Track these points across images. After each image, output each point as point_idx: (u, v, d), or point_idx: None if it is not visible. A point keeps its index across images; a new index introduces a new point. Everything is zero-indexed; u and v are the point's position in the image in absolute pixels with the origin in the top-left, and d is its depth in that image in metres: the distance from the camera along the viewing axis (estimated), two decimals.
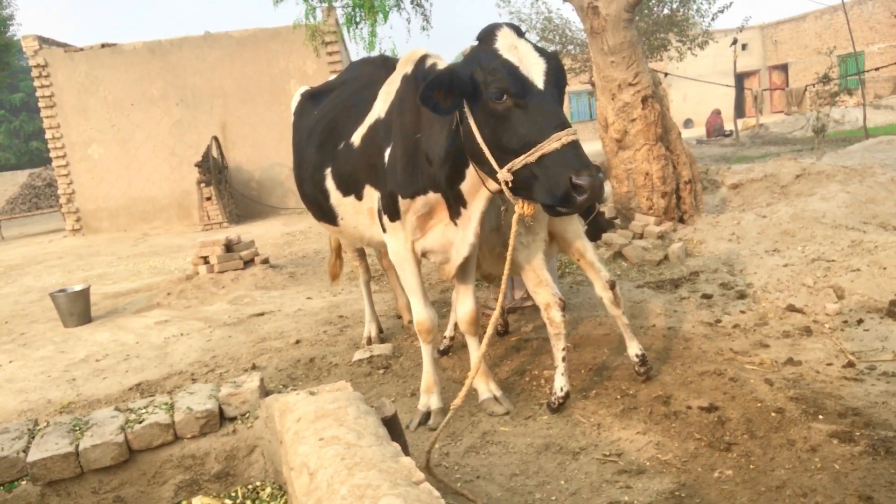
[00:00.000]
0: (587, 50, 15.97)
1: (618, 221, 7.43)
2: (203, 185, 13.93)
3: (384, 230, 3.47)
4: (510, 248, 2.93)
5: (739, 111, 25.96)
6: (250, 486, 2.52)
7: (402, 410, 3.75)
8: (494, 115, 2.63)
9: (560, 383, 3.51)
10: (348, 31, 7.30)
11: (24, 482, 2.25)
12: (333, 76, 14.30)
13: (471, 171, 2.99)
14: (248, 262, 7.93)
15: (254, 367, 4.81)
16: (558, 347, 3.52)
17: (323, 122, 3.91)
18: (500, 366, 4.27)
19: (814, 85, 16.63)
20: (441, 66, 3.14)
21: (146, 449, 2.38)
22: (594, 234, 7.13)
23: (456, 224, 3.23)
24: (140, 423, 2.39)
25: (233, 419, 2.55)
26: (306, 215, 4.07)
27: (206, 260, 7.83)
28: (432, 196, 3.18)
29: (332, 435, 1.97)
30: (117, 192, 15.26)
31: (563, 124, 2.55)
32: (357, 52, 14.43)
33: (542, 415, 3.51)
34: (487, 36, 2.74)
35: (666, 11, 15.56)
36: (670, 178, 6.94)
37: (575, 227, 3.71)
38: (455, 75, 2.64)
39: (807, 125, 15.72)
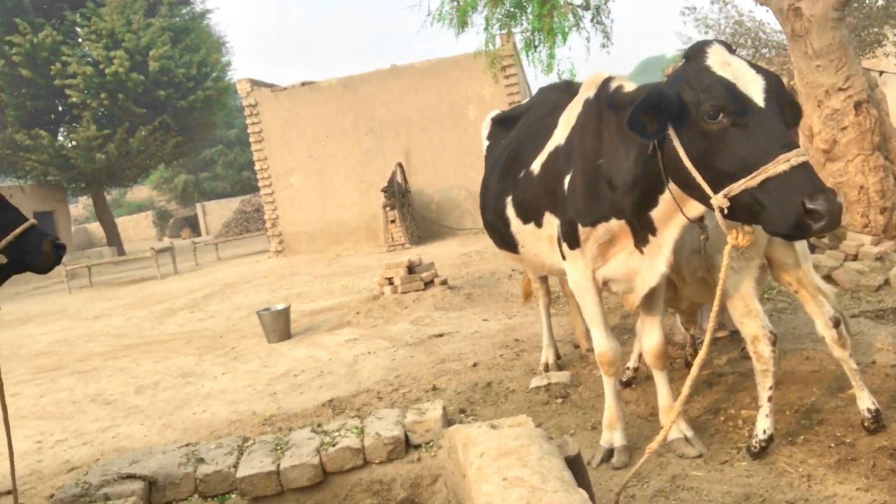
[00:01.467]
0: (784, 53, 14.68)
1: (826, 241, 6.67)
2: (388, 208, 14.75)
3: (564, 258, 3.39)
4: (721, 281, 2.63)
5: None
6: None
7: (583, 444, 3.61)
8: (707, 136, 2.42)
9: (763, 425, 3.18)
10: (527, 56, 7.35)
11: (233, 496, 2.47)
12: (510, 99, 14.30)
13: (665, 197, 2.81)
14: (429, 283, 8.21)
15: (434, 389, 4.92)
16: (764, 386, 3.20)
17: (507, 152, 3.95)
18: (691, 402, 3.96)
19: None
20: (628, 88, 3.02)
21: (338, 471, 2.51)
22: None
23: (642, 252, 3.07)
24: (333, 446, 2.52)
25: (417, 447, 2.61)
26: (482, 236, 4.16)
27: (390, 281, 8.24)
28: (614, 223, 3.04)
29: (515, 476, 1.93)
30: (314, 217, 16.65)
31: (791, 144, 2.31)
32: (535, 74, 14.59)
33: (741, 460, 3.19)
34: (697, 53, 2.55)
35: (881, 2, 13.84)
36: (891, 192, 6.10)
37: (800, 250, 3.34)
38: (664, 96, 2.49)
39: None
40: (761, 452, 3.17)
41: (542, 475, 1.90)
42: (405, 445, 2.57)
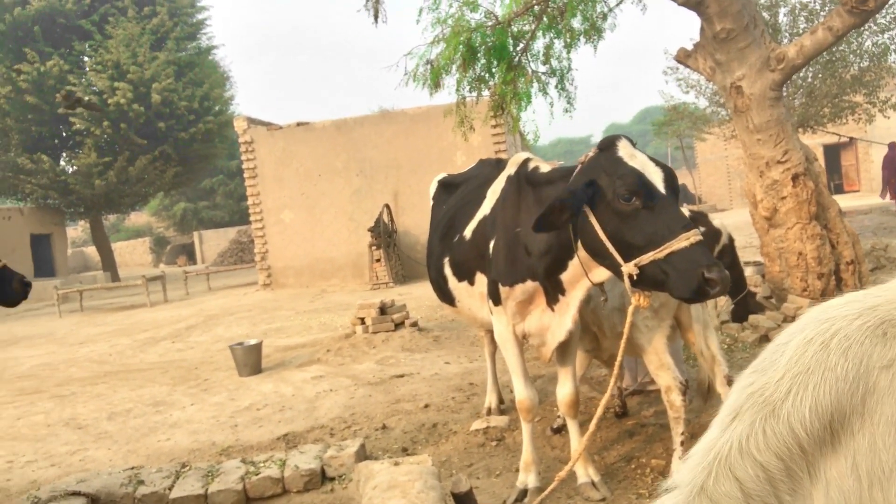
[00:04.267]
0: None
1: (773, 300, 7.05)
2: (374, 248, 15.15)
3: (491, 312, 3.77)
4: (624, 336, 3.07)
5: None
6: None
7: (506, 485, 3.93)
8: (621, 215, 2.85)
9: (677, 467, 3.52)
10: (494, 118, 7.84)
11: None
12: (496, 147, 14.79)
13: (574, 263, 3.21)
14: (399, 325, 8.54)
15: (384, 427, 5.23)
16: (677, 431, 3.56)
17: (446, 217, 4.38)
18: (610, 449, 4.30)
19: None
20: (543, 168, 3.46)
21: (260, 498, 2.83)
22: (741, 314, 6.86)
23: (553, 310, 3.45)
24: (257, 475, 2.85)
25: (332, 479, 2.94)
26: None
27: (362, 321, 8.58)
28: (530, 284, 3.43)
29: None
30: (302, 252, 17.05)
31: (689, 225, 2.75)
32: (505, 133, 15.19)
33: None
34: (609, 146, 3.01)
35: (853, 72, 14.51)
36: (827, 259, 6.50)
37: (695, 315, 3.74)
38: (569, 198, 2.91)
39: None
40: None
41: None
42: (321, 477, 2.91)
